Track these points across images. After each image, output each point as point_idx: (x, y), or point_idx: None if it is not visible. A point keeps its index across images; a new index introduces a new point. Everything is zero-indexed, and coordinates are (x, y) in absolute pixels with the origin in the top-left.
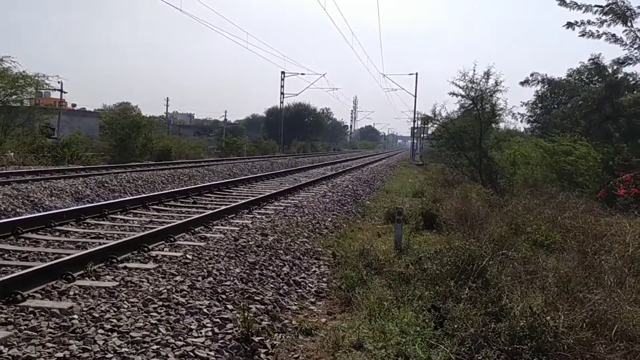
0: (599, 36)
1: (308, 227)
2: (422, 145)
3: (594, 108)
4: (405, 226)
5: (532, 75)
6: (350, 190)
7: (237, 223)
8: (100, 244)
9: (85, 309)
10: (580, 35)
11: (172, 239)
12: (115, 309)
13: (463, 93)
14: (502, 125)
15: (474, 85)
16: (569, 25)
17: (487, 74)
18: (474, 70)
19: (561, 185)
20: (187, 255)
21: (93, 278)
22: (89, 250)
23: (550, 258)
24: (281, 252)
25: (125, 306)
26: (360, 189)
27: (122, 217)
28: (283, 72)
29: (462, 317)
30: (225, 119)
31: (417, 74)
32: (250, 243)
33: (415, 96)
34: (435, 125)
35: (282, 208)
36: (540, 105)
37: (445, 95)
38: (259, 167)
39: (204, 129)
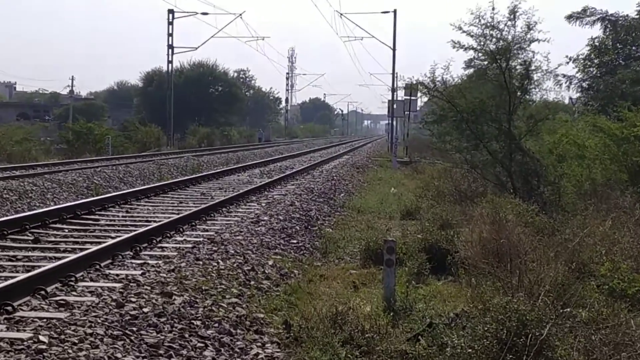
0: None
1: (237, 277)
2: (407, 129)
3: None
4: (399, 270)
5: (584, 11)
6: (299, 210)
7: (118, 276)
8: None
9: None
10: None
11: (9, 309)
12: None
13: (476, 45)
14: (537, 95)
15: (494, 33)
16: None
17: (514, 13)
18: (493, 9)
19: (638, 192)
20: (41, 337)
21: None
22: None
23: None
24: (198, 323)
25: None
26: (315, 207)
27: None
28: (171, 11)
29: None
30: (72, 91)
31: (395, 11)
32: (145, 310)
33: (394, 49)
34: (433, 98)
35: (189, 246)
36: (597, 62)
37: (443, 52)
38: (138, 173)
39: (36, 109)
